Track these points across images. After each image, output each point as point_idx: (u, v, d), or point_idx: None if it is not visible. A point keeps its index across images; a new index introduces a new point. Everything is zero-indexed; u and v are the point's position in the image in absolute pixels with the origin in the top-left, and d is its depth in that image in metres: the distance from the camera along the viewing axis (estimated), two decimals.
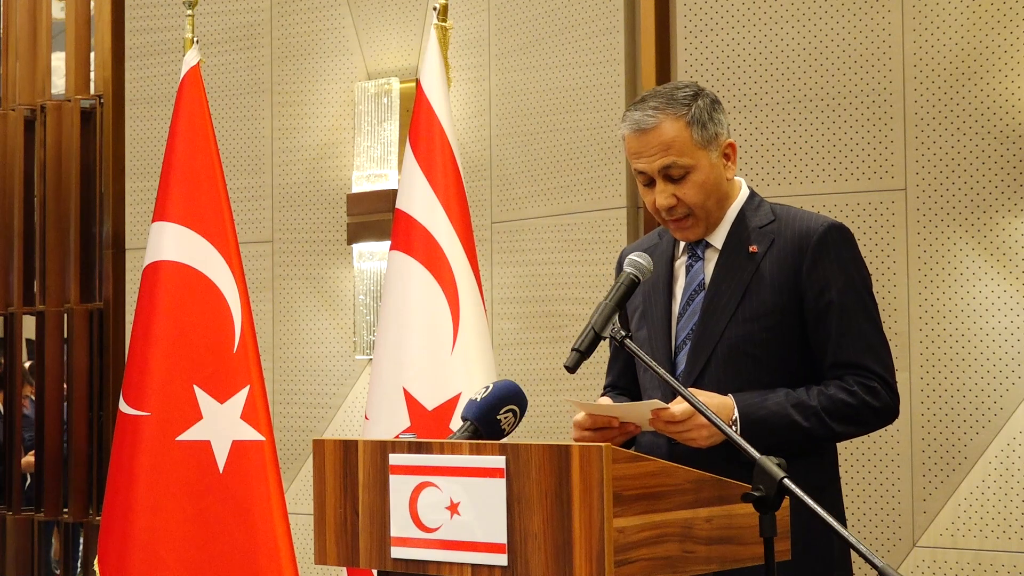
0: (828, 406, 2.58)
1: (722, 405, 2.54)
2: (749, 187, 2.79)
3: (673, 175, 2.67)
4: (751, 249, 2.68)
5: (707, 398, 2.53)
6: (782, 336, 2.64)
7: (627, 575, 1.97)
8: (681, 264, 2.77)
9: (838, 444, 2.75)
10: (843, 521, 2.77)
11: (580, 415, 2.59)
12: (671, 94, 2.69)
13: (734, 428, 2.52)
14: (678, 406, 2.51)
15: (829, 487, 2.68)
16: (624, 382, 2.91)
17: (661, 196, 2.68)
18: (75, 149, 6.00)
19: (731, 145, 2.73)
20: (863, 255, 2.72)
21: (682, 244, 2.78)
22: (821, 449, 2.68)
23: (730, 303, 2.66)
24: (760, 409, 2.56)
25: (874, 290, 2.72)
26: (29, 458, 6.52)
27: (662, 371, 2.36)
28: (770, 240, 2.67)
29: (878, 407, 2.61)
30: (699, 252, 2.75)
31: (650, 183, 2.70)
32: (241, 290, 4.08)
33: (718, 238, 2.73)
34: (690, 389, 2.53)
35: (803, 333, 2.65)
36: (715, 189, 2.70)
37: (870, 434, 2.74)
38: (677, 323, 2.72)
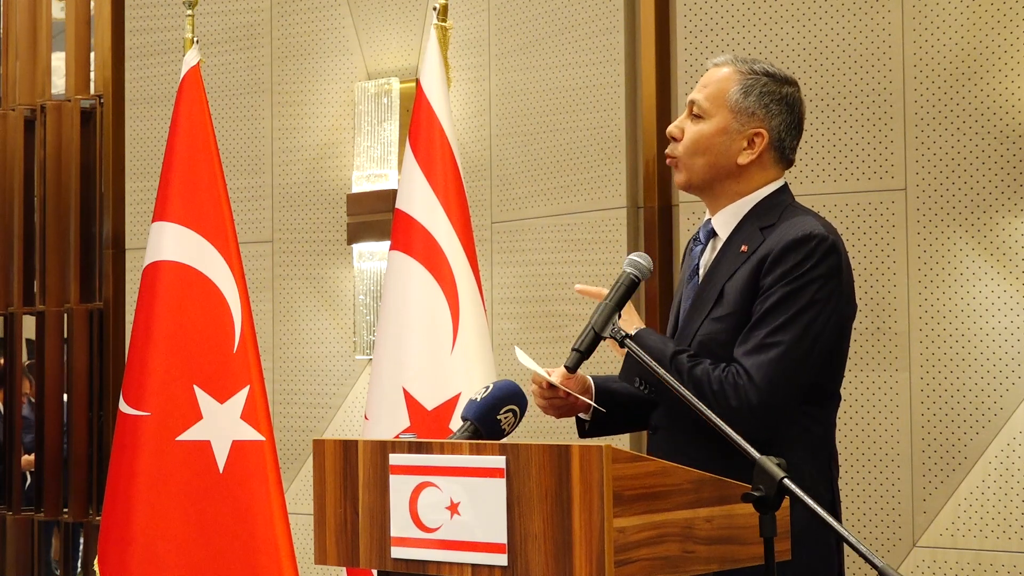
0: (696, 376, 2.54)
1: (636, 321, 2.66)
2: (786, 185, 2.74)
3: (693, 110, 2.71)
4: (742, 249, 2.65)
5: (630, 315, 2.65)
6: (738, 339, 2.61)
7: (627, 575, 1.97)
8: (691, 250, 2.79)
9: (837, 444, 2.73)
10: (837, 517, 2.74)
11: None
12: (759, 62, 2.73)
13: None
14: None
15: (820, 486, 2.65)
16: None
17: (674, 122, 2.74)
18: (75, 149, 6.00)
19: (759, 134, 2.67)
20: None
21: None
22: (813, 452, 2.64)
23: (708, 301, 2.65)
24: (654, 340, 2.60)
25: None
26: (29, 456, 6.53)
27: (662, 371, 2.36)
28: (759, 243, 2.63)
29: (733, 405, 2.50)
30: (702, 237, 2.75)
31: None
32: (241, 290, 4.08)
33: (724, 228, 2.71)
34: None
35: None
36: (711, 151, 2.68)
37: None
38: (682, 307, 2.75)
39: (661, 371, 2.33)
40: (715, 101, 2.68)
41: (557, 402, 2.70)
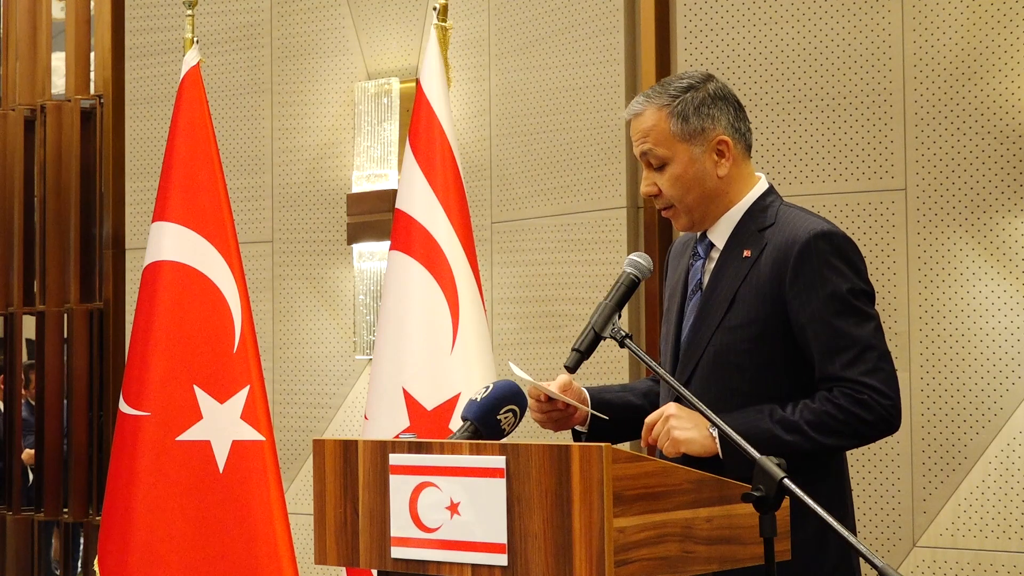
0: (811, 419, 2.50)
1: (700, 421, 2.49)
2: (770, 184, 2.73)
3: (652, 163, 2.68)
4: (744, 254, 2.63)
5: (688, 414, 2.51)
6: (764, 346, 2.58)
7: (627, 575, 1.97)
8: (691, 264, 2.76)
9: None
10: (850, 524, 2.72)
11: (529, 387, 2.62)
12: (670, 83, 2.70)
13: (715, 442, 2.47)
14: (650, 415, 2.52)
15: (833, 493, 2.64)
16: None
17: (643, 183, 2.71)
18: (75, 149, 6.00)
19: (723, 142, 2.65)
20: (863, 256, 2.67)
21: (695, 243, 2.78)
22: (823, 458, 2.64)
23: (719, 311, 2.62)
24: (741, 426, 2.44)
25: (875, 292, 2.66)
26: (30, 450, 6.52)
27: (662, 371, 2.36)
28: (763, 245, 2.61)
29: (870, 420, 2.51)
30: (701, 251, 2.73)
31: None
32: (241, 290, 4.08)
33: (720, 238, 2.69)
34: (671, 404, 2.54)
35: (788, 343, 2.58)
36: (695, 184, 2.66)
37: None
38: (683, 323, 2.72)
39: (720, 421, 2.27)
40: (665, 144, 2.66)
41: (555, 415, 2.67)
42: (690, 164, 2.66)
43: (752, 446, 2.21)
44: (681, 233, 2.86)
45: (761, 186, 2.71)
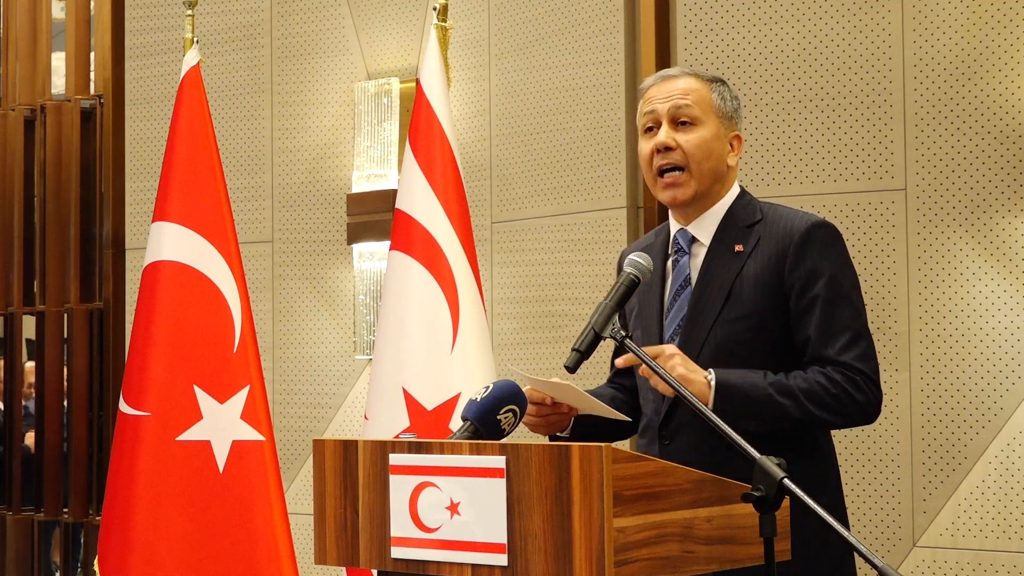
0: (806, 388, 2.56)
1: (698, 371, 2.54)
2: (741, 186, 2.81)
3: (681, 118, 2.71)
4: (737, 248, 2.67)
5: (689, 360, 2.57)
6: (765, 336, 2.63)
7: (627, 575, 1.97)
8: (671, 260, 2.77)
9: (835, 445, 2.74)
10: (845, 523, 2.74)
11: (526, 387, 2.62)
12: (701, 71, 2.80)
13: (710, 389, 2.51)
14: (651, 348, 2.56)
15: (826, 488, 2.66)
16: (620, 379, 2.92)
17: (663, 134, 2.71)
18: (75, 149, 6.00)
19: (738, 137, 2.77)
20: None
21: (672, 240, 2.78)
22: (815, 449, 2.66)
23: (715, 304, 2.65)
24: (737, 378, 2.54)
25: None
26: (29, 433, 6.49)
27: (661, 370, 2.36)
28: (756, 239, 2.67)
29: (861, 401, 2.59)
30: (685, 247, 2.74)
31: (650, 130, 2.73)
32: (241, 290, 4.08)
33: (705, 233, 2.72)
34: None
35: (787, 333, 2.63)
36: (713, 156, 2.72)
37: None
38: (665, 320, 2.72)
39: (687, 393, 2.28)
40: (702, 107, 2.72)
41: (553, 418, 2.67)
42: (715, 138, 2.73)
43: (747, 400, 2.43)
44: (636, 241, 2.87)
45: (736, 188, 2.80)
